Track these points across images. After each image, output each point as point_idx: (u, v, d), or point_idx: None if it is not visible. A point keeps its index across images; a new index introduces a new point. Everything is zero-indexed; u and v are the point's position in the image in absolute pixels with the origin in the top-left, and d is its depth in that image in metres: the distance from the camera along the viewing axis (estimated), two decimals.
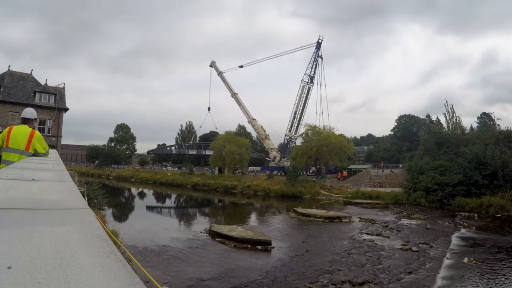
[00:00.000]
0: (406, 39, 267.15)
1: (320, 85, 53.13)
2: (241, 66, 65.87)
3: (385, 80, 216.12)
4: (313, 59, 53.81)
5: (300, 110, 55.28)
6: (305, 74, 54.40)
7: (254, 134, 66.20)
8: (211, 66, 68.93)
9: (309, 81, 54.14)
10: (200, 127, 75.09)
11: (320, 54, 53.84)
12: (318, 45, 53.93)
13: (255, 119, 61.14)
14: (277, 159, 56.77)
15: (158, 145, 76.65)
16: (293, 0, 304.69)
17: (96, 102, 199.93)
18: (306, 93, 54.39)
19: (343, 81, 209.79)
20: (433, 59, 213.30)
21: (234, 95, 63.24)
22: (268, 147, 60.01)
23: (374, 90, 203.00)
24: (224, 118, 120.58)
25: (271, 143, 61.35)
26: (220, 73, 66.01)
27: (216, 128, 70.00)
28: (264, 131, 62.92)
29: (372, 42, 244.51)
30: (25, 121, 4.34)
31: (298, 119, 55.48)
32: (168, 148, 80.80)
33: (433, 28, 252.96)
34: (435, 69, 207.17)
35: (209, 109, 68.01)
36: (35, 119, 4.53)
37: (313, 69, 53.79)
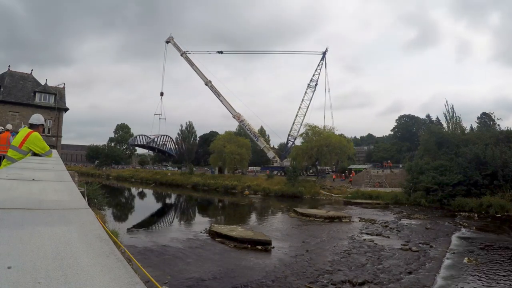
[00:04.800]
0: None
1: (325, 91, 56.15)
2: (221, 52, 59.56)
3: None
4: (319, 67, 56.66)
5: (304, 112, 56.62)
6: (311, 79, 57.10)
7: None
8: (167, 42, 59.21)
9: (314, 86, 56.66)
10: (155, 114, 62.91)
11: (325, 63, 56.64)
12: (324, 54, 56.87)
13: (240, 114, 58.01)
14: (277, 159, 56.98)
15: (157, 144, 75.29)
16: None
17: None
18: (310, 96, 56.69)
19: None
20: None
21: (208, 83, 57.83)
22: (264, 146, 59.69)
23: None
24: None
25: (265, 142, 61.23)
26: (183, 53, 57.76)
27: (159, 117, 62.04)
28: (266, 136, 62.68)
29: None
30: (31, 126, 4.66)
31: (302, 120, 56.35)
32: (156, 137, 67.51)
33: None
34: None
35: (161, 94, 61.63)
36: (41, 124, 4.82)
37: (319, 75, 56.70)
